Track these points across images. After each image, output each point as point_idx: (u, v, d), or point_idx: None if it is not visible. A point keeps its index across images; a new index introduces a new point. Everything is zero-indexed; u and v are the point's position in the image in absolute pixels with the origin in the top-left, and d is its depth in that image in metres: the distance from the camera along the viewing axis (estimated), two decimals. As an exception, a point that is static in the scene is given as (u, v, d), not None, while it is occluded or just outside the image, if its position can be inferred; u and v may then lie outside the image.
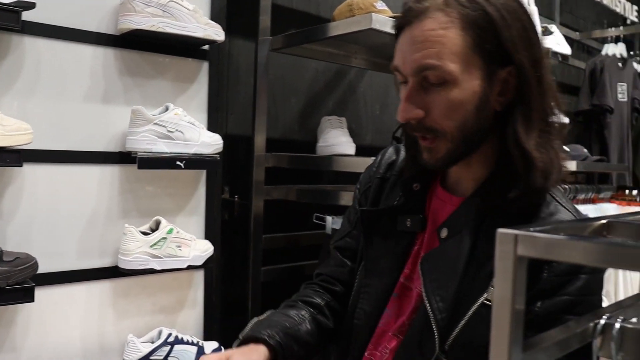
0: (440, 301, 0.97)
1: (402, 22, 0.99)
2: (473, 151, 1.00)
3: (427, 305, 0.98)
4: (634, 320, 0.80)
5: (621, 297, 2.54)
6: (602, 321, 0.74)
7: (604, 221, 0.74)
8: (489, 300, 0.93)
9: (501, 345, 0.56)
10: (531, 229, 0.55)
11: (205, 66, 1.93)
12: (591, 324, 0.75)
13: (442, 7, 0.94)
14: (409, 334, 1.03)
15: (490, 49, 0.93)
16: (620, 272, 2.81)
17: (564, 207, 0.99)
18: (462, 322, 0.94)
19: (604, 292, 1.00)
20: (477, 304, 0.93)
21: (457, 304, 0.96)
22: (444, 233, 1.03)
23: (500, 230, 0.57)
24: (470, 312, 0.94)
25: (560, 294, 0.92)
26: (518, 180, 0.95)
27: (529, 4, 2.92)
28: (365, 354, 1.10)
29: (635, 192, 4.04)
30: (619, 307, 0.84)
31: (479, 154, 1.02)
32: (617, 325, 0.73)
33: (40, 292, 1.54)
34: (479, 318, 0.94)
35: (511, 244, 0.56)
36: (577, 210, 1.02)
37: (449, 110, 0.96)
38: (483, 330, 0.92)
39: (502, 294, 0.57)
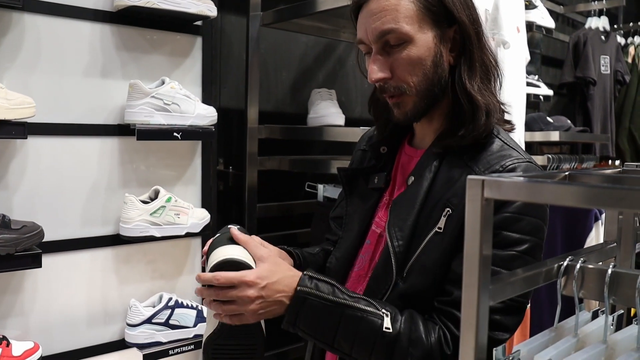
0: (399, 231, 1.09)
1: (361, 1, 1.12)
2: (435, 104, 1.14)
3: (387, 236, 1.10)
4: (596, 263, 0.90)
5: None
6: (565, 262, 0.84)
7: (566, 173, 0.83)
8: (440, 228, 1.05)
9: (472, 275, 0.65)
10: (495, 175, 0.64)
11: (198, 41, 2.00)
12: (555, 265, 0.84)
13: None
14: (374, 269, 1.14)
15: (437, 11, 1.09)
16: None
17: (509, 146, 1.12)
18: (418, 250, 1.06)
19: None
20: (432, 232, 1.05)
21: (413, 235, 1.08)
22: (410, 180, 1.15)
23: (470, 176, 0.65)
24: (425, 241, 1.06)
25: (502, 211, 1.03)
26: (467, 123, 1.09)
27: (512, -22, 2.97)
28: None
29: (617, 162, 4.16)
30: (583, 252, 0.93)
31: (438, 108, 1.15)
32: (578, 266, 0.82)
33: (46, 260, 1.62)
34: (432, 245, 1.06)
35: (479, 187, 0.64)
36: (522, 149, 1.14)
37: (410, 66, 1.09)
38: (436, 255, 1.05)
39: (471, 231, 0.65)
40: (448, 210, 1.05)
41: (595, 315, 0.92)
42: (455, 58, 1.13)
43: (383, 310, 1.03)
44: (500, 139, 1.13)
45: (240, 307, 1.02)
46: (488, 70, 1.14)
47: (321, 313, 1.02)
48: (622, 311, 0.93)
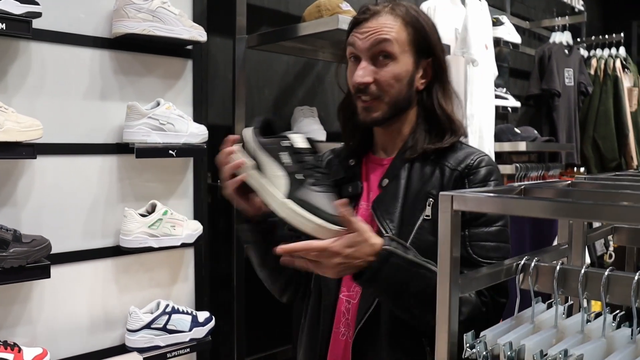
0: (390, 222, 1.29)
1: (360, 19, 1.36)
2: (398, 117, 1.37)
3: (380, 227, 1.29)
4: (550, 262, 1.06)
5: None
6: (522, 261, 1.00)
7: (522, 186, 1.00)
8: (428, 215, 1.27)
9: (445, 272, 0.80)
10: (461, 191, 0.80)
11: (189, 64, 2.15)
12: (514, 264, 1.00)
13: (390, 12, 1.34)
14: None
15: (421, 44, 1.34)
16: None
17: (468, 146, 1.39)
18: (411, 236, 1.26)
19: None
20: (420, 219, 1.28)
21: (402, 224, 1.28)
22: (384, 182, 1.36)
23: (441, 192, 0.81)
24: (416, 226, 1.27)
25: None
26: (439, 133, 1.36)
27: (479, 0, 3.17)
28: (340, 295, 1.37)
29: (582, 169, 4.38)
30: (538, 253, 1.10)
31: (405, 120, 1.39)
32: (533, 264, 0.99)
33: (52, 270, 1.73)
34: (423, 230, 1.27)
35: (449, 201, 0.80)
36: (484, 152, 1.38)
37: (392, 80, 1.32)
38: (427, 237, 1.26)
39: (443, 237, 0.81)
40: (431, 200, 1.27)
41: (549, 306, 1.09)
42: (425, 84, 1.38)
43: None
44: (461, 142, 1.39)
45: (323, 268, 1.14)
46: (454, 95, 1.41)
47: (399, 269, 1.14)
48: (572, 302, 1.10)
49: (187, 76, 2.15)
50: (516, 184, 0.97)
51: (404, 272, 1.15)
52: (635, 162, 4.92)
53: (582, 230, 1.22)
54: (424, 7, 3.00)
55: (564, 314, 1.09)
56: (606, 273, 0.92)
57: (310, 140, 1.24)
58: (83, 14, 1.89)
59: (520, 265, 0.99)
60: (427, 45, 1.35)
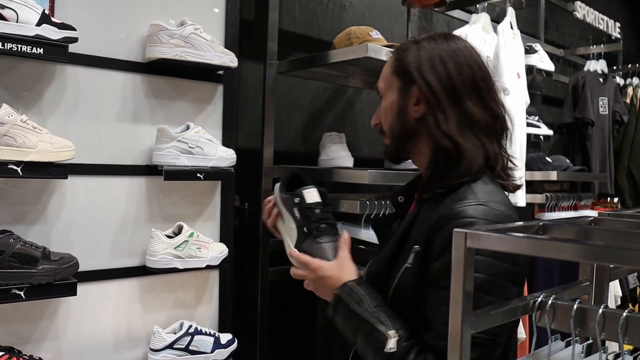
0: (373, 266, 1.40)
1: None
2: (408, 150, 1.37)
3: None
4: (566, 299, 1.05)
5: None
6: (539, 299, 0.99)
7: (540, 223, 0.99)
8: (410, 264, 1.23)
9: (457, 308, 0.80)
10: (476, 228, 0.80)
11: (220, 89, 2.18)
12: (531, 300, 0.99)
13: (390, 54, 1.41)
14: None
15: (402, 74, 1.33)
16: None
17: (471, 191, 1.23)
18: (394, 283, 1.27)
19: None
20: (402, 269, 1.25)
21: (389, 269, 1.30)
22: (397, 224, 1.44)
23: (455, 229, 0.81)
24: (398, 275, 1.27)
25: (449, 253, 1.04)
26: (452, 165, 1.26)
27: (511, 27, 3.16)
28: None
29: (616, 199, 4.31)
30: (557, 290, 1.09)
31: (418, 153, 1.36)
32: (550, 302, 0.98)
33: (79, 288, 1.77)
34: (404, 278, 1.25)
35: (463, 239, 0.81)
36: (485, 198, 1.21)
37: (384, 114, 1.39)
38: (408, 287, 1.23)
39: (456, 273, 0.81)
40: (416, 247, 1.21)
41: (568, 344, 1.08)
42: (421, 111, 1.30)
43: (391, 332, 1.18)
44: (470, 186, 1.23)
45: (308, 282, 1.38)
46: (473, 120, 1.27)
47: (347, 316, 1.27)
48: (591, 341, 1.09)
49: (218, 100, 2.18)
50: (534, 221, 0.96)
51: (350, 320, 1.26)
52: (670, 193, 4.82)
53: (605, 266, 1.21)
54: (455, 35, 3.00)
55: (582, 352, 1.08)
56: (624, 314, 0.91)
57: (322, 193, 1.44)
58: (118, 39, 1.94)
59: (537, 303, 0.99)
60: (406, 70, 1.31)
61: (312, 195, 1.41)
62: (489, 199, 1.21)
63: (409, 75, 1.31)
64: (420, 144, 1.33)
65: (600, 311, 0.93)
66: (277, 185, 1.50)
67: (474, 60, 1.33)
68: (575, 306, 0.95)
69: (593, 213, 3.78)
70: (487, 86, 1.32)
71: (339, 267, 1.34)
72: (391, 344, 1.17)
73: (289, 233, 1.44)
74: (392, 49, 1.43)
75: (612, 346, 1.04)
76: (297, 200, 1.40)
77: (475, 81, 1.31)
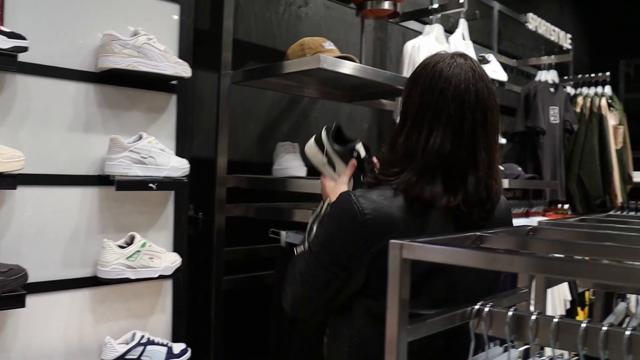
0: None
1: None
2: None
3: None
4: (503, 307, 1.09)
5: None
6: (477, 306, 1.03)
7: (477, 234, 1.03)
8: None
9: (393, 320, 0.83)
10: (411, 240, 0.83)
11: (173, 98, 2.19)
12: (469, 308, 1.03)
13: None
14: None
15: None
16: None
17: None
18: None
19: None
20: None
21: None
22: None
23: (391, 241, 0.84)
24: None
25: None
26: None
27: (463, 38, 3.24)
28: None
29: (567, 206, 4.42)
30: (499, 297, 1.13)
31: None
32: (487, 309, 1.02)
33: (28, 299, 1.75)
34: None
35: (398, 250, 0.84)
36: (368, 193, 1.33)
37: None
38: None
39: (393, 283, 0.84)
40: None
41: (505, 350, 1.12)
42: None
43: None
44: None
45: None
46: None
47: None
48: (528, 346, 1.13)
49: (171, 110, 2.18)
50: (472, 233, 1.00)
51: None
52: (619, 200, 4.97)
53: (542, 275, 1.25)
54: (408, 45, 3.06)
55: (519, 357, 1.12)
56: (555, 320, 0.95)
57: (366, 147, 1.62)
58: (70, 49, 1.93)
59: (474, 310, 1.02)
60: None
61: (363, 150, 1.61)
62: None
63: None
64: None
65: (533, 317, 0.97)
66: (324, 136, 1.69)
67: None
68: (509, 313, 0.99)
69: (543, 219, 3.89)
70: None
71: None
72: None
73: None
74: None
75: (548, 351, 1.08)
76: (355, 154, 1.60)
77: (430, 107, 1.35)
